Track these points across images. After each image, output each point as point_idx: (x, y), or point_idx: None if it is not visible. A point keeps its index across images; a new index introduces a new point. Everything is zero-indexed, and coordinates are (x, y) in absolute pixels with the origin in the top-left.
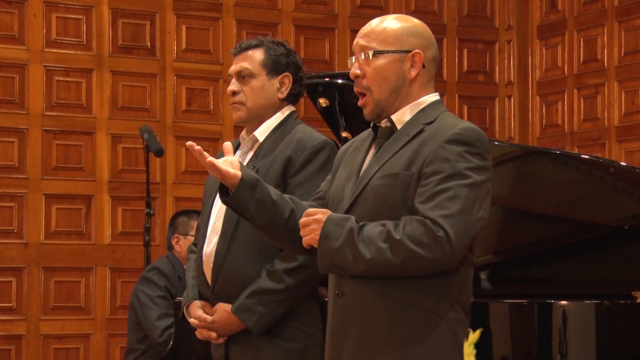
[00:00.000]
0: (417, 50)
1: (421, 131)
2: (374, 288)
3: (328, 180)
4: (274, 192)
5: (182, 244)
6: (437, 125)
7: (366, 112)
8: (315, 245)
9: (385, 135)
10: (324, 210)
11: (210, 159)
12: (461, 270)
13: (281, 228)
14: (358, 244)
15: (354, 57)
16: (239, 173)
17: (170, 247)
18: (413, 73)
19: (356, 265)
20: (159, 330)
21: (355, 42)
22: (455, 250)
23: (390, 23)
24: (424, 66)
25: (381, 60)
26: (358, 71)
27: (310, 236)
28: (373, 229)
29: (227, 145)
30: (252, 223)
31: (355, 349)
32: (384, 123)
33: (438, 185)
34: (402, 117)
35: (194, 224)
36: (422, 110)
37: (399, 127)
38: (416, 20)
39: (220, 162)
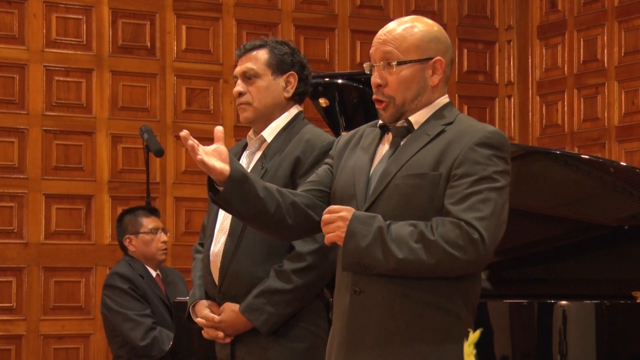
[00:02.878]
0: (438, 57)
1: (442, 132)
2: (396, 288)
3: (325, 170)
4: (260, 187)
5: (135, 244)
6: (459, 126)
7: (385, 115)
8: (341, 243)
9: (400, 134)
10: (348, 207)
11: (201, 156)
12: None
13: (266, 222)
14: (389, 243)
15: (371, 64)
16: (226, 168)
17: (124, 250)
18: (436, 79)
19: (386, 264)
20: (139, 334)
21: (374, 48)
22: (488, 252)
23: (410, 29)
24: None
25: (405, 71)
26: (379, 80)
27: (335, 233)
28: (402, 228)
29: (219, 131)
30: (236, 217)
31: (373, 348)
32: (399, 123)
33: (470, 188)
34: (419, 118)
35: (143, 220)
36: (438, 111)
37: (416, 127)
38: (431, 22)
39: (209, 153)
